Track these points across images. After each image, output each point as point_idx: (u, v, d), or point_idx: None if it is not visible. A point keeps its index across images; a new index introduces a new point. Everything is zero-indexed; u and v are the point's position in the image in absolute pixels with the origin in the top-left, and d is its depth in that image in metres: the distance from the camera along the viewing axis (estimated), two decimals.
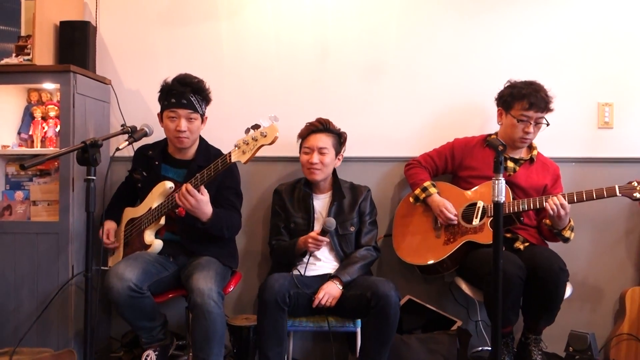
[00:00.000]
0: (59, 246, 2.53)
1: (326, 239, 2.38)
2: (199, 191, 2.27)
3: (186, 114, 2.45)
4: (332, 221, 2.35)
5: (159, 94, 2.51)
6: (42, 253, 2.54)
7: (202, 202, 2.28)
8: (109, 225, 2.58)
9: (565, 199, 2.35)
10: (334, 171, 2.63)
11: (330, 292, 2.35)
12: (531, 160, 2.59)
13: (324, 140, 2.54)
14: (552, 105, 2.52)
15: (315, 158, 2.51)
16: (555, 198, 2.35)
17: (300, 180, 2.64)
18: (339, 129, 2.61)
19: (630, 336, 2.62)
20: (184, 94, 2.43)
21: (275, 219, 2.62)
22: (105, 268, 2.44)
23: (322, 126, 2.56)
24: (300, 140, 2.61)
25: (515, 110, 2.50)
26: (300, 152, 2.60)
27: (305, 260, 2.46)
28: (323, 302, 2.33)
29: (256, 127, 2.15)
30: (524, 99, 2.47)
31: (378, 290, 2.26)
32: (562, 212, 2.34)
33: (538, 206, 2.40)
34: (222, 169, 2.24)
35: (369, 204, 2.62)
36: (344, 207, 2.56)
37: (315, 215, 2.57)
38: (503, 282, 1.89)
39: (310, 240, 2.37)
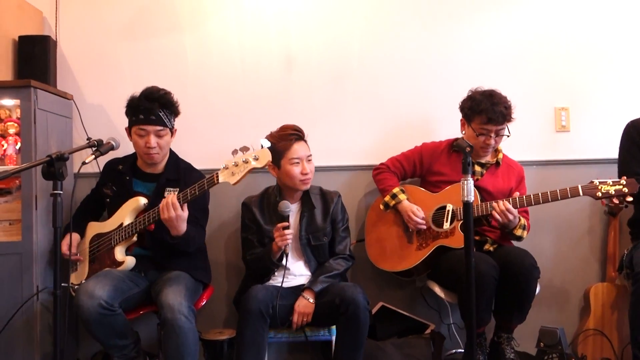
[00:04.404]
0: (22, 266, 2.44)
1: (287, 224, 2.30)
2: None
3: (155, 130, 2.41)
4: (286, 204, 2.33)
5: (125, 108, 2.46)
6: (4, 275, 2.44)
7: (181, 218, 2.26)
8: (74, 237, 2.49)
9: (524, 202, 2.40)
10: None
11: (303, 310, 2.34)
12: (497, 163, 2.64)
13: (307, 148, 2.48)
14: (512, 116, 2.53)
15: (307, 168, 2.45)
16: (500, 204, 2.40)
17: (268, 190, 2.59)
18: None
19: (596, 331, 2.70)
20: (152, 109, 2.39)
21: (247, 233, 2.54)
22: (66, 285, 2.35)
23: (301, 134, 2.48)
24: (279, 153, 2.41)
25: (475, 123, 2.53)
26: (281, 164, 2.43)
27: (284, 267, 2.39)
28: (299, 323, 2.34)
29: (245, 149, 2.13)
30: (482, 114, 2.48)
31: (346, 296, 2.26)
32: (510, 216, 2.39)
33: None
34: (208, 188, 2.23)
35: (340, 209, 2.58)
36: (315, 217, 2.52)
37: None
38: (477, 282, 1.94)
39: (275, 235, 2.32)
